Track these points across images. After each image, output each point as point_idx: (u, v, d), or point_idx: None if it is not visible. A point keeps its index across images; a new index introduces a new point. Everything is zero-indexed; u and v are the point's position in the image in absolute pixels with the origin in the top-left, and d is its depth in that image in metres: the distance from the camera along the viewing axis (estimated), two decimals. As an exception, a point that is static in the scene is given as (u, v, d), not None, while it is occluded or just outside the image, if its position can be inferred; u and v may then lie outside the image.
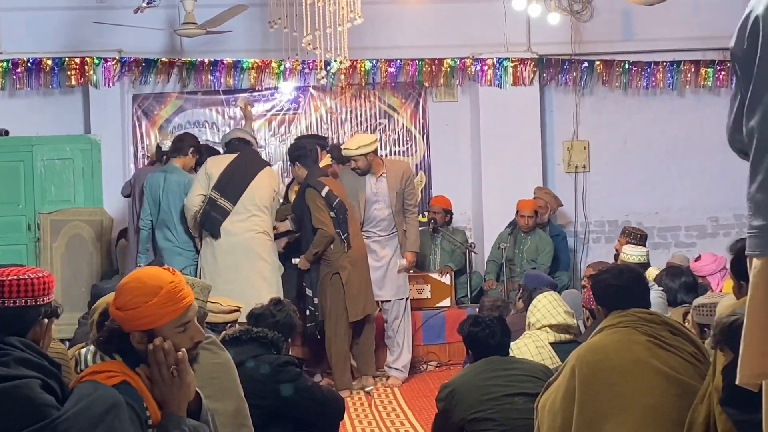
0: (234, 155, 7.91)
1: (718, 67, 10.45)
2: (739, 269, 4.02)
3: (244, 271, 7.57)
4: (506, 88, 10.14)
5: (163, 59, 9.92)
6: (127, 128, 10.06)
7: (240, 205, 7.72)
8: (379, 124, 10.25)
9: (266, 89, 10.15)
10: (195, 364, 3.16)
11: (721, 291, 7.69)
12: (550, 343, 5.58)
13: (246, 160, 7.89)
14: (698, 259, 7.97)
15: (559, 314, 5.67)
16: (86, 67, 9.75)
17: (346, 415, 6.69)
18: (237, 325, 5.35)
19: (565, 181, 10.51)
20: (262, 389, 4.62)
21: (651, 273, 7.08)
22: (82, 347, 3.42)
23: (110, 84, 9.81)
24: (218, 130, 10.17)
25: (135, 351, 3.05)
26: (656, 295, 5.63)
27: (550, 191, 9.86)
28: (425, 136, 10.35)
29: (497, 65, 10.15)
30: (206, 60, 9.94)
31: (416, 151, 10.32)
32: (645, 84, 10.46)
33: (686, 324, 5.05)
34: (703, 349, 4.17)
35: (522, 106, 10.12)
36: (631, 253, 7.54)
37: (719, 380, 3.41)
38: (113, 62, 9.80)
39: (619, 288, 4.29)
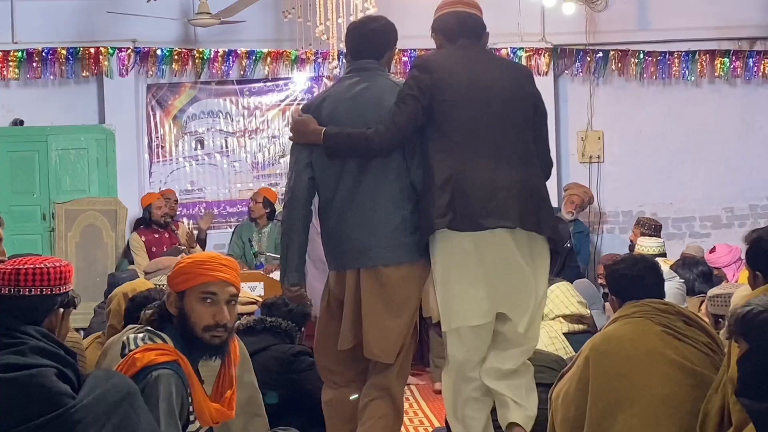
0: None
1: (734, 57, 10.40)
2: (754, 259, 4.01)
3: None
4: (521, 78, 10.11)
5: (177, 49, 9.92)
6: (142, 118, 10.08)
7: None
8: (393, 114, 10.21)
9: (280, 79, 10.15)
10: (222, 356, 3.23)
11: (736, 282, 7.68)
12: (564, 334, 5.57)
13: None
14: (713, 250, 7.93)
15: (572, 304, 5.67)
16: (100, 56, 9.76)
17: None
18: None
19: (580, 171, 10.49)
20: (276, 379, 4.64)
21: (663, 265, 7.07)
22: (131, 331, 3.47)
23: (124, 74, 9.83)
24: (232, 120, 10.19)
25: (180, 336, 3.16)
26: (674, 285, 5.60)
27: (582, 185, 9.78)
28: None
29: (512, 55, 10.12)
30: (220, 50, 9.95)
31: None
32: (660, 74, 10.41)
33: (701, 314, 5.04)
34: (718, 340, 4.16)
35: (536, 96, 10.09)
36: (647, 245, 7.52)
37: (734, 371, 3.39)
38: (127, 52, 9.81)
39: (633, 278, 4.27)
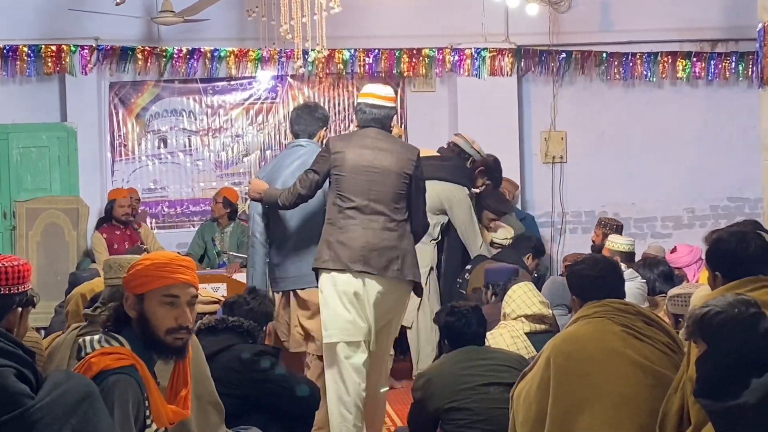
0: None
1: (696, 59, 10.49)
2: (713, 260, 4.03)
3: None
4: (484, 79, 10.15)
5: (141, 47, 9.86)
6: (104, 116, 10.01)
7: None
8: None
9: (244, 78, 10.12)
10: (182, 357, 3.21)
11: (697, 282, 7.74)
12: (525, 333, 5.59)
13: None
14: (674, 250, 7.99)
15: (534, 304, 5.69)
16: (63, 54, 9.68)
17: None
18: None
19: (543, 172, 10.55)
20: (238, 378, 4.61)
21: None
22: (83, 332, 3.45)
23: (87, 72, 9.75)
24: (195, 119, 10.15)
25: (138, 338, 3.13)
26: (635, 285, 5.64)
27: (506, 179, 9.72)
28: (403, 126, 10.34)
29: (475, 55, 10.16)
30: (184, 48, 9.90)
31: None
32: (623, 75, 10.48)
33: (661, 314, 5.08)
34: (678, 340, 4.19)
35: (500, 96, 10.14)
36: (618, 242, 7.57)
37: (693, 371, 3.42)
38: (90, 50, 9.74)
39: (594, 278, 4.29)
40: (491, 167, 7.81)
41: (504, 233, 7.95)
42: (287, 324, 5.92)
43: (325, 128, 6.15)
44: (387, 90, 5.66)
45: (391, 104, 5.59)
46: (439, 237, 7.39)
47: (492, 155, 7.91)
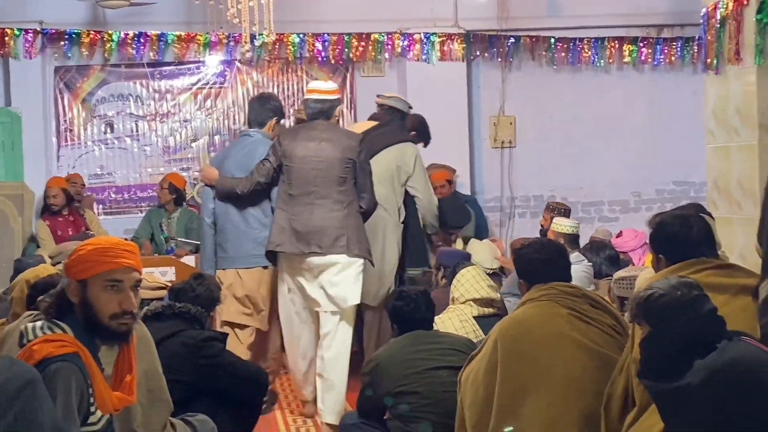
0: None
1: (642, 44, 10.56)
2: (657, 243, 4.08)
3: None
4: (433, 64, 10.15)
5: (86, 31, 9.73)
6: (49, 101, 9.89)
7: None
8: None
9: (191, 62, 10.04)
10: (124, 342, 3.19)
11: (642, 266, 7.82)
12: (474, 317, 5.63)
13: None
14: (620, 235, 8.08)
15: (482, 288, 5.71)
16: (6, 38, 9.53)
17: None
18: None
19: (492, 156, 10.59)
20: (185, 365, 4.59)
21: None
22: (28, 319, 3.39)
23: (31, 56, 9.61)
24: (142, 104, 10.05)
25: (81, 324, 3.09)
26: (581, 269, 5.68)
27: (441, 164, 9.69)
28: (353, 111, 10.33)
29: (424, 40, 10.15)
30: (130, 32, 9.78)
31: (344, 126, 10.26)
32: (570, 60, 10.53)
33: (607, 297, 5.13)
34: (623, 322, 4.23)
35: (449, 81, 10.14)
36: (563, 224, 7.62)
37: (637, 353, 3.46)
38: (34, 34, 9.60)
39: (541, 262, 4.32)
40: (421, 126, 7.81)
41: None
42: (232, 300, 6.46)
43: (275, 118, 6.64)
44: (329, 85, 6.52)
45: (333, 97, 6.32)
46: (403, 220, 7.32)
47: (419, 114, 7.88)
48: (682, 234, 3.97)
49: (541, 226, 8.77)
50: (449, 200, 7.94)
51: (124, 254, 3.18)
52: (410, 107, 7.40)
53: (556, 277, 4.29)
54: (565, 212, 8.73)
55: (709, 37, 5.29)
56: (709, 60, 5.51)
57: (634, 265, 7.96)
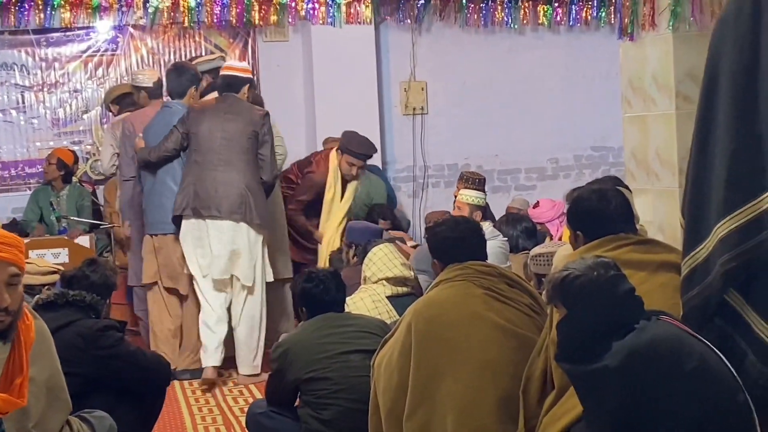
0: None
1: (556, 4, 10.63)
2: (575, 219, 4.14)
3: None
4: (340, 27, 10.09)
5: (-36, -5, 9.48)
6: (-74, 71, 9.63)
7: None
8: (222, 59, 10.08)
9: (81, 28, 9.83)
10: (5, 340, 3.12)
11: (560, 238, 7.92)
12: (387, 297, 5.64)
13: None
14: (536, 205, 8.16)
15: (395, 267, 5.73)
16: None
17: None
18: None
19: (403, 124, 10.57)
20: (81, 356, 4.53)
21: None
22: None
23: None
24: (29, 73, 9.82)
25: None
26: (496, 244, 5.73)
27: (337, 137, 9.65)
28: (255, 78, 10.23)
29: (330, 2, 10.08)
30: (13, -4, 9.55)
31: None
32: (483, 21, 10.56)
33: (523, 272, 5.20)
34: (540, 301, 4.30)
35: (357, 45, 10.09)
36: (468, 194, 7.68)
37: (555, 333, 3.52)
38: None
39: (455, 240, 4.36)
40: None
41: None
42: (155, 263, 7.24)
43: (194, 86, 7.39)
44: (242, 64, 7.68)
45: (243, 75, 7.17)
46: None
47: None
48: (600, 210, 4.04)
49: (455, 197, 8.79)
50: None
51: None
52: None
53: (471, 256, 4.34)
54: (480, 182, 8.74)
55: (624, 2, 5.37)
56: (624, 26, 5.58)
57: (551, 236, 8.08)
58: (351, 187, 7.97)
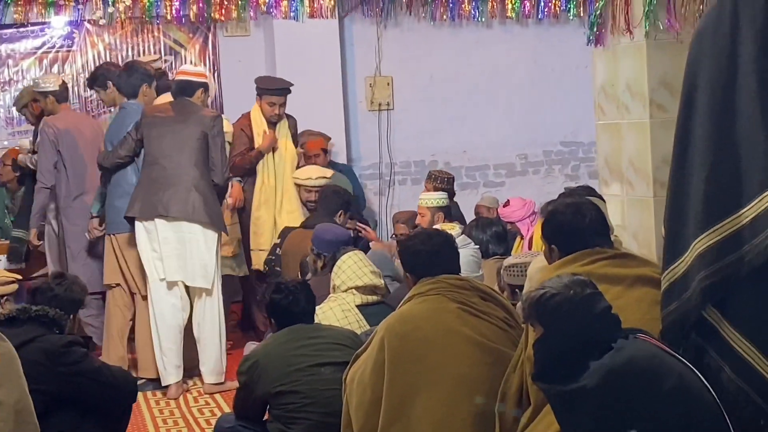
0: None
1: (525, -3, 10.69)
2: (550, 233, 4.20)
3: None
4: (303, 21, 10.08)
5: None
6: None
7: None
8: (165, 61, 10.06)
9: (35, 24, 9.78)
10: None
11: (531, 238, 7.99)
12: (357, 306, 5.67)
13: None
14: (507, 204, 8.21)
15: (365, 275, 5.75)
16: None
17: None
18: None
19: (368, 120, 10.61)
20: (44, 373, 4.54)
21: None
22: None
23: None
24: (-15, 71, 9.80)
25: None
26: (469, 253, 5.78)
27: (315, 131, 9.72)
28: (216, 74, 10.25)
29: (294, -7, 10.09)
30: (-37, -9, 9.49)
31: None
32: (450, 14, 10.59)
33: (495, 282, 5.26)
34: (515, 314, 4.36)
35: (320, 39, 10.10)
36: (428, 198, 7.78)
37: (531, 351, 3.58)
38: None
39: (427, 254, 4.41)
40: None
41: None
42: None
43: (145, 84, 7.58)
44: (197, 69, 7.78)
45: (198, 79, 7.35)
46: None
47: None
48: (575, 223, 4.10)
49: (422, 197, 8.84)
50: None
51: None
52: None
53: (445, 269, 4.40)
54: (448, 181, 8.86)
55: (596, 4, 5.42)
56: (597, 35, 5.65)
57: (522, 236, 8.15)
58: (281, 126, 8.52)
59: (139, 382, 6.81)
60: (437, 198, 7.75)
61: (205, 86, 7.35)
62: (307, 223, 7.70)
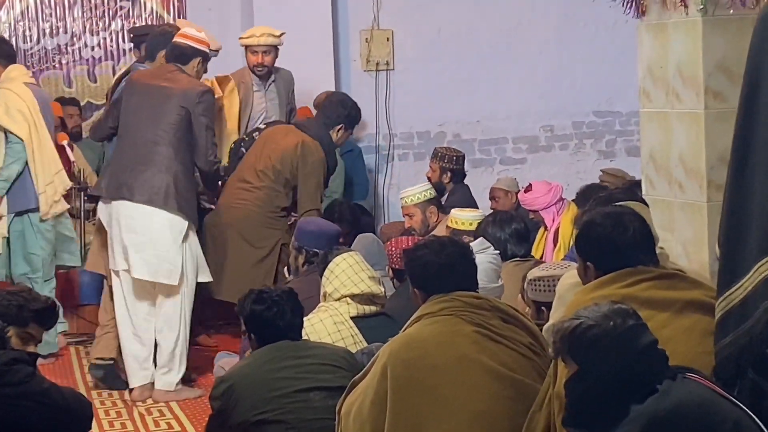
0: None
1: (552, -65, 10.69)
2: (585, 248, 4.24)
3: None
4: (287, -38, 10.12)
5: None
6: None
7: None
8: (120, 8, 10.11)
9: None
10: None
11: (557, 230, 8.03)
12: (352, 318, 5.68)
13: None
14: (528, 189, 8.21)
15: (362, 281, 5.73)
16: None
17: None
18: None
19: (364, 82, 10.60)
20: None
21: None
22: None
23: None
24: None
25: None
26: (487, 259, 5.77)
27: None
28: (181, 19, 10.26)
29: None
30: None
31: (170, 43, 10.20)
32: (463, -43, 10.60)
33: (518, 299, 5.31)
34: (541, 339, 4.40)
35: (308, -13, 10.12)
36: (411, 195, 7.79)
37: (561, 387, 3.64)
38: None
39: (440, 267, 4.43)
40: None
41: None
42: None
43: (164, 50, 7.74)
44: (200, 35, 7.64)
45: (198, 46, 7.47)
46: None
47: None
48: (615, 237, 4.14)
49: (428, 178, 8.84)
50: None
51: None
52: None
53: (460, 285, 4.44)
54: (459, 160, 8.87)
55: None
56: (641, 8, 5.64)
57: (546, 227, 8.19)
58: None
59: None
60: (420, 191, 7.83)
61: (204, 56, 7.53)
62: (298, 122, 8.34)
